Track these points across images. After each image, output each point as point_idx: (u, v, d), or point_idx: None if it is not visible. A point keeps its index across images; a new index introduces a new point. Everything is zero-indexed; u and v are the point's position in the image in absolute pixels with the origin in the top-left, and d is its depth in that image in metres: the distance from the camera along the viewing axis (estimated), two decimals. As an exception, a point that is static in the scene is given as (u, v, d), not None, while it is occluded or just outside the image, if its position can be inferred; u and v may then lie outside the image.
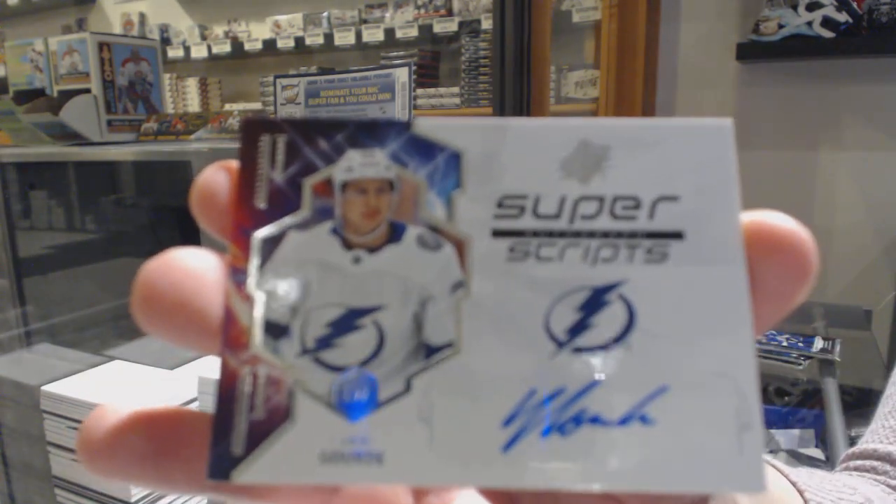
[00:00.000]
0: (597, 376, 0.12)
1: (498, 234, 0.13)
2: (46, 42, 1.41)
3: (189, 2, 3.85)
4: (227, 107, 3.72)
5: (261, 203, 0.13)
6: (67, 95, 1.31)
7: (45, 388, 0.59)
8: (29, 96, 1.42)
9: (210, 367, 0.67)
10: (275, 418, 0.12)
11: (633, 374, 0.12)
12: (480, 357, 0.12)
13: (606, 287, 0.13)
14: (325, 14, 3.27)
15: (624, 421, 0.12)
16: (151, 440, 0.13)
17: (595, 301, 0.13)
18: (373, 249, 0.13)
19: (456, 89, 2.88)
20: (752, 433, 0.12)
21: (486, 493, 0.15)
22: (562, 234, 0.13)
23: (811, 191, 2.02)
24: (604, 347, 0.13)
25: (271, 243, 0.13)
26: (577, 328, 0.13)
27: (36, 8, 4.17)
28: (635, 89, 2.00)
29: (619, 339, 0.13)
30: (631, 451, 0.12)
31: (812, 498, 0.25)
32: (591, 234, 0.13)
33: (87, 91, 1.32)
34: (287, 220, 0.13)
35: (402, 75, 1.20)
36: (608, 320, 0.13)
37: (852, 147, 1.96)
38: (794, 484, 0.25)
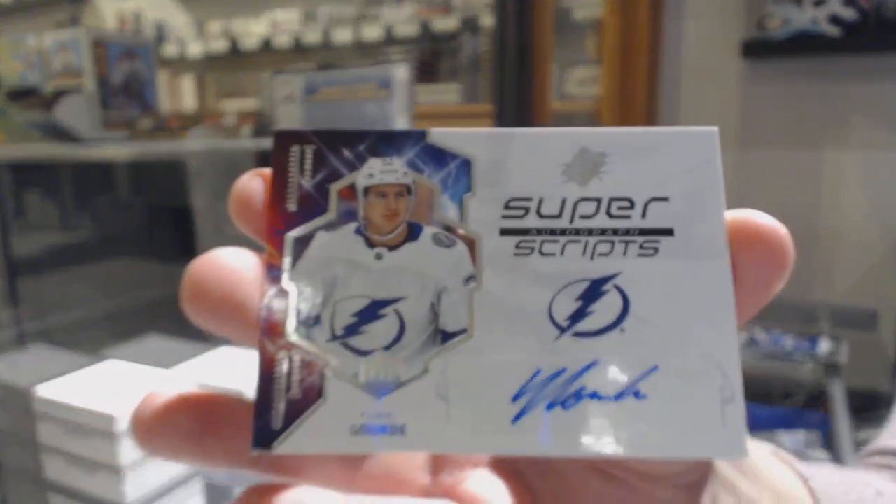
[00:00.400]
0: (595, 357, 0.14)
1: (505, 232, 0.14)
2: (40, 39, 1.40)
3: (185, -1, 3.83)
4: (224, 104, 3.71)
5: (292, 206, 0.15)
6: (61, 93, 1.30)
7: (39, 390, 0.58)
8: (22, 94, 1.40)
9: (204, 366, 0.66)
10: (309, 397, 0.14)
11: (627, 356, 0.14)
12: (490, 341, 0.14)
13: (603, 279, 0.14)
14: (323, 11, 3.26)
15: (619, 396, 0.14)
16: (196, 420, 0.14)
17: (593, 291, 0.14)
18: (393, 247, 0.14)
19: (455, 86, 2.87)
20: (734, 406, 0.14)
21: (497, 469, 0.16)
22: (563, 232, 0.14)
23: (817, 190, 2.01)
24: (601, 332, 0.14)
25: (302, 243, 0.15)
26: (577, 315, 0.14)
27: (29, 4, 4.15)
28: (638, 87, 1.99)
29: (615, 324, 0.14)
30: (625, 423, 0.13)
31: (818, 487, 0.24)
32: (590, 232, 0.14)
33: (81, 89, 1.31)
34: (316, 222, 0.15)
35: (401, 72, 1.19)
36: (605, 308, 0.14)
37: (859, 146, 1.95)
38: (800, 474, 0.24)
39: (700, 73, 2.12)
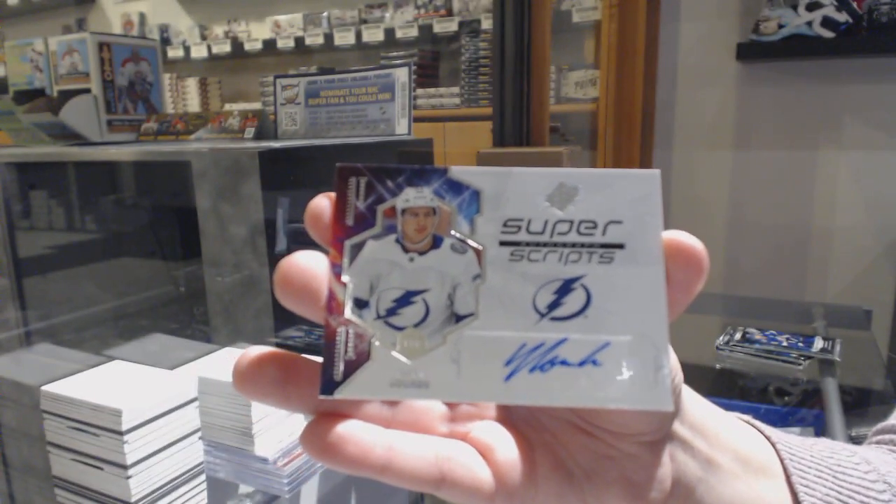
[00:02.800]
0: (565, 336, 0.19)
1: (503, 244, 0.20)
2: (46, 42, 1.41)
3: (189, 2, 3.85)
4: (227, 107, 3.72)
5: (350, 222, 0.20)
6: (67, 95, 1.31)
7: (45, 388, 0.59)
8: (29, 96, 1.41)
9: (208, 366, 0.67)
10: (360, 359, 0.19)
11: (588, 335, 0.19)
12: (490, 322, 0.20)
13: (573, 279, 0.20)
14: (325, 14, 3.27)
15: (581, 364, 0.19)
16: (280, 371, 0.20)
17: (565, 288, 0.20)
18: (422, 253, 0.20)
19: (456, 89, 2.88)
20: (662, 372, 0.19)
21: (499, 422, 0.22)
22: (545, 244, 0.20)
23: (811, 190, 2.02)
24: (570, 317, 0.19)
25: (357, 248, 0.20)
26: (553, 305, 0.20)
27: (36, 8, 4.17)
28: (635, 89, 2.00)
29: (580, 312, 0.19)
30: (586, 382, 0.19)
31: (785, 450, 0.26)
32: (564, 245, 0.20)
33: (87, 91, 1.32)
34: (367, 234, 0.20)
35: (401, 75, 1.20)
36: (574, 300, 0.20)
37: (852, 147, 1.96)
38: (767, 438, 0.27)
39: (696, 76, 2.13)
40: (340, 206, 0.20)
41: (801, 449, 0.27)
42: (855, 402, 0.95)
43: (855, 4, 1.78)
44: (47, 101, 1.36)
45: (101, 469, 0.56)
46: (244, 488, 0.65)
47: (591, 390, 0.19)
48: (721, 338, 1.07)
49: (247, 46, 3.45)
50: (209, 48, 3.59)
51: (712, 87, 2.10)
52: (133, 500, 0.55)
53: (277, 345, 0.91)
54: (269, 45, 3.38)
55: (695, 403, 0.24)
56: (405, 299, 0.20)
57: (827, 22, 1.79)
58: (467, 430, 0.21)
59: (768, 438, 0.27)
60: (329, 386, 0.19)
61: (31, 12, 4.22)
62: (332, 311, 0.20)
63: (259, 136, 1.20)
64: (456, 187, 0.20)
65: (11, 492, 0.77)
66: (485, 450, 0.20)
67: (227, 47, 3.53)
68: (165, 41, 3.76)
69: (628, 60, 1.98)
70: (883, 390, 0.97)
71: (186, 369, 0.67)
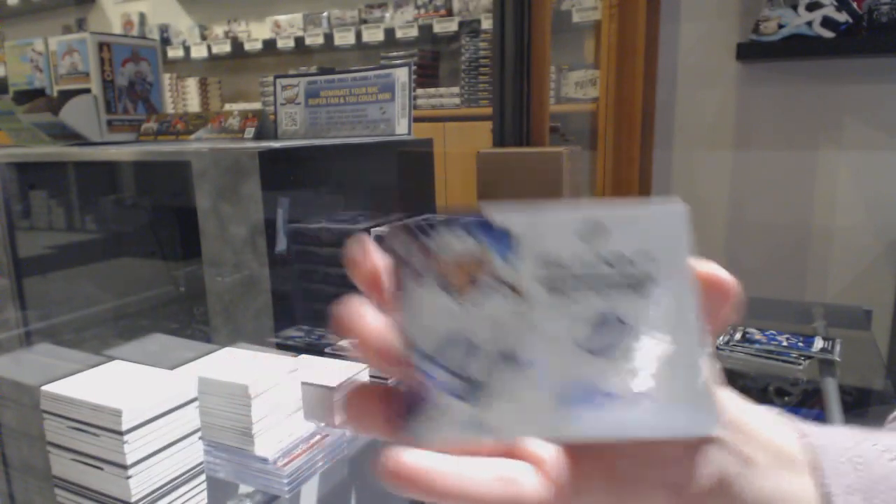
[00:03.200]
0: (608, 368, 0.20)
1: (541, 282, 0.21)
2: (46, 42, 1.41)
3: (189, 2, 3.85)
4: (227, 107, 3.72)
5: (400, 270, 0.21)
6: (67, 95, 1.31)
7: (45, 388, 0.59)
8: (29, 96, 1.41)
9: (208, 366, 0.67)
10: (426, 405, 0.20)
11: (631, 366, 0.20)
12: (537, 359, 0.21)
13: (610, 313, 0.20)
14: (325, 14, 3.27)
15: (628, 395, 0.20)
16: (383, 406, 0.22)
17: (604, 321, 0.20)
18: (465, 294, 0.21)
19: (456, 89, 2.88)
20: (706, 399, 0.20)
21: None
22: (580, 281, 0.21)
23: (811, 191, 2.02)
24: (611, 350, 0.20)
25: (408, 299, 0.21)
26: (594, 339, 0.20)
27: (36, 8, 4.17)
28: (635, 89, 2.00)
29: (620, 344, 0.20)
30: (635, 414, 0.20)
31: (815, 443, 0.27)
32: (599, 280, 0.20)
33: (87, 91, 1.32)
34: (416, 281, 0.21)
35: (401, 75, 1.20)
36: (613, 333, 0.20)
37: (852, 147, 1.96)
38: (799, 432, 0.27)
39: (696, 75, 2.13)
40: (392, 258, 0.22)
41: (829, 438, 0.27)
42: (855, 402, 0.95)
43: (855, 4, 1.78)
44: (47, 101, 1.36)
45: (101, 469, 0.56)
46: (244, 488, 0.65)
47: (642, 422, 0.20)
48: (721, 338, 1.08)
49: (247, 46, 3.45)
50: (209, 48, 3.59)
51: (712, 87, 2.10)
52: (133, 500, 0.55)
53: (277, 345, 0.91)
54: (269, 45, 3.38)
55: (729, 401, 0.25)
56: (457, 343, 0.21)
57: (827, 22, 1.79)
58: (513, 442, 0.22)
59: (799, 431, 0.27)
60: (406, 430, 0.20)
61: (31, 12, 4.22)
62: (400, 364, 0.21)
63: (259, 136, 1.20)
64: (490, 230, 0.21)
65: (11, 492, 0.77)
66: (537, 462, 0.21)
67: (227, 47, 3.53)
68: (165, 41, 3.76)
69: (628, 60, 1.98)
70: (883, 390, 0.97)
71: (186, 369, 0.67)
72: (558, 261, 0.21)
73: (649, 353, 0.20)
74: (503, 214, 0.21)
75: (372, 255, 0.22)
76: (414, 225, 0.22)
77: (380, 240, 0.22)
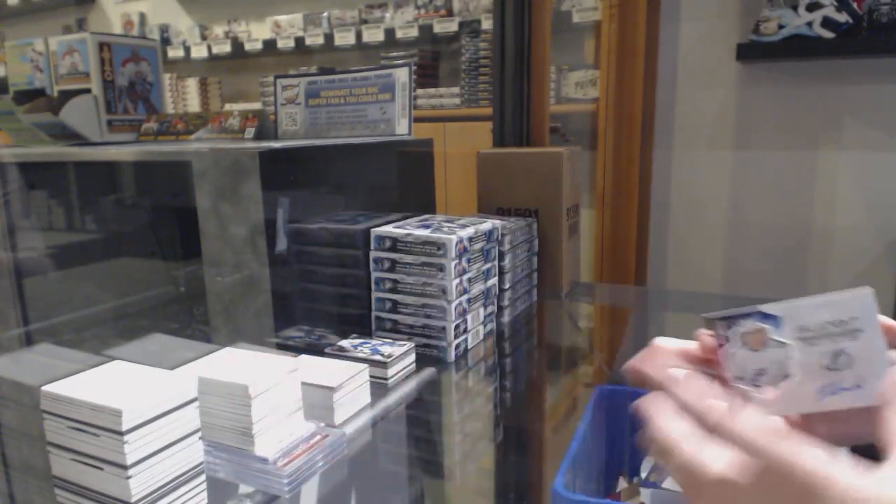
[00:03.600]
0: (842, 376, 0.35)
1: (799, 339, 0.36)
2: (46, 42, 1.41)
3: (189, 2, 3.86)
4: (227, 107, 3.72)
5: (720, 343, 0.39)
6: (68, 95, 1.31)
7: (45, 388, 0.59)
8: (29, 96, 1.42)
9: (208, 366, 0.67)
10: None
11: (853, 375, 0.34)
12: (805, 375, 0.36)
13: (841, 350, 0.35)
14: (326, 14, 3.27)
15: (850, 388, 0.34)
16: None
17: (837, 354, 0.35)
18: (757, 348, 0.38)
19: (456, 89, 2.88)
20: (877, 391, 0.34)
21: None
22: (821, 335, 0.36)
23: (811, 191, 2.02)
24: (843, 369, 0.35)
25: (732, 357, 0.38)
26: (832, 364, 0.35)
27: (36, 8, 4.17)
28: (635, 89, 2.00)
29: (847, 367, 0.34)
30: (853, 396, 0.34)
31: None
32: (831, 334, 0.35)
33: (88, 91, 1.33)
34: (732, 349, 0.39)
35: (402, 75, 1.20)
36: (843, 360, 0.35)
37: (852, 147, 1.96)
38: None
39: (696, 75, 2.13)
40: (715, 339, 0.39)
41: None
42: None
43: (855, 5, 1.78)
44: (47, 101, 1.36)
45: (101, 469, 0.56)
46: (244, 488, 0.65)
47: (856, 399, 0.35)
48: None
49: (247, 46, 3.46)
50: (209, 48, 3.59)
51: (712, 88, 2.10)
52: (133, 500, 0.55)
53: (278, 345, 0.91)
54: (270, 45, 3.38)
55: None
56: (754, 371, 0.37)
57: (827, 22, 1.79)
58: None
59: None
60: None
61: (31, 12, 4.22)
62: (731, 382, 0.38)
63: (259, 136, 1.20)
64: (768, 316, 0.37)
65: (11, 492, 0.77)
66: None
67: (227, 47, 3.54)
68: (165, 41, 3.76)
69: (628, 60, 1.98)
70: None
71: (186, 369, 0.67)
72: (806, 327, 0.36)
73: (861, 366, 0.35)
74: (773, 307, 0.37)
75: (704, 336, 0.39)
76: (727, 316, 0.39)
77: (708, 322, 0.40)
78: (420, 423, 0.87)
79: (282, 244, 0.89)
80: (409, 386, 0.86)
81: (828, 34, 1.80)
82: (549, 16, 1.47)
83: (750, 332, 0.38)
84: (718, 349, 0.39)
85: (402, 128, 1.20)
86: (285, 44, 3.32)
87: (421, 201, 1.26)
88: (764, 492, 0.31)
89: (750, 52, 1.93)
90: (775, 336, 0.37)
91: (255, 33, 3.59)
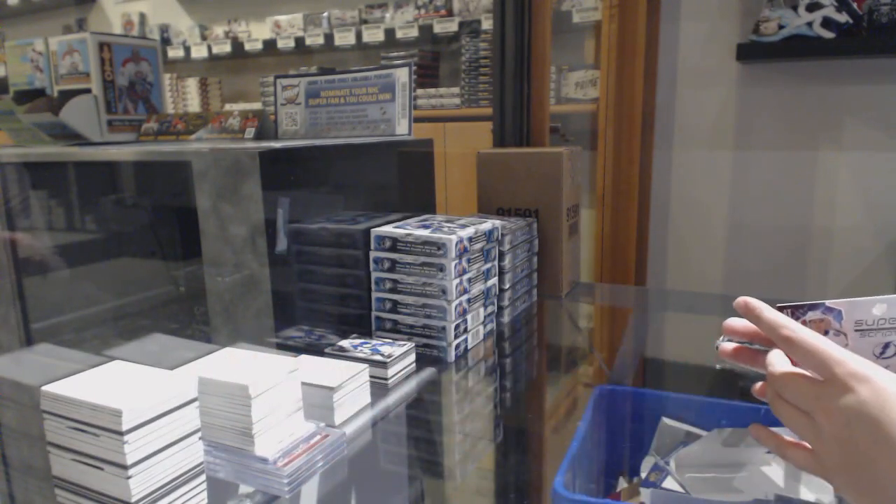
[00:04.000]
0: (888, 365, 0.47)
1: (856, 330, 0.49)
2: (47, 42, 1.41)
3: (189, 2, 3.86)
4: (227, 107, 3.72)
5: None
6: (68, 95, 1.31)
7: (45, 388, 0.59)
8: (29, 96, 1.42)
9: (208, 366, 0.67)
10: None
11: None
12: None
13: (888, 342, 0.47)
14: (326, 14, 3.27)
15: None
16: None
17: (886, 346, 0.47)
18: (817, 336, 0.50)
19: (456, 89, 2.88)
20: None
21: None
22: (874, 329, 0.48)
23: (811, 191, 2.02)
24: (889, 357, 0.47)
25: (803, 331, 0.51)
26: (882, 353, 0.47)
27: (36, 8, 4.17)
28: (635, 89, 2.00)
29: (893, 356, 0.48)
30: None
31: None
32: (882, 328, 0.48)
33: (88, 91, 1.33)
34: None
35: (402, 75, 1.20)
36: (889, 350, 0.47)
37: (852, 147, 1.97)
38: None
39: (696, 75, 2.13)
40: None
41: None
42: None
43: (855, 5, 1.78)
44: (48, 101, 1.36)
45: (101, 469, 0.56)
46: (244, 488, 0.65)
47: None
48: (721, 338, 1.07)
49: (247, 46, 3.46)
50: (209, 48, 3.59)
51: (712, 88, 2.10)
52: (133, 500, 0.55)
53: (278, 345, 0.91)
54: (270, 45, 3.38)
55: None
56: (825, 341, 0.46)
57: (827, 22, 1.79)
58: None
59: None
60: None
61: (31, 12, 4.22)
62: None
63: (259, 136, 1.20)
64: (830, 309, 0.45)
65: (11, 492, 0.77)
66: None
67: (227, 47, 3.54)
68: (166, 41, 3.76)
69: (628, 60, 1.98)
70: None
71: (186, 369, 0.67)
72: (862, 321, 0.43)
73: None
74: (836, 302, 0.45)
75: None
76: (798, 306, 0.47)
77: (781, 309, 0.48)
78: (420, 423, 0.87)
79: (282, 244, 0.90)
80: (409, 386, 0.86)
81: (828, 34, 1.80)
82: (549, 16, 1.47)
83: (815, 321, 0.47)
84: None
85: (402, 128, 1.20)
86: (285, 44, 3.32)
87: (421, 201, 1.26)
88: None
89: (750, 52, 1.93)
90: (836, 326, 0.46)
91: (255, 33, 3.59)
